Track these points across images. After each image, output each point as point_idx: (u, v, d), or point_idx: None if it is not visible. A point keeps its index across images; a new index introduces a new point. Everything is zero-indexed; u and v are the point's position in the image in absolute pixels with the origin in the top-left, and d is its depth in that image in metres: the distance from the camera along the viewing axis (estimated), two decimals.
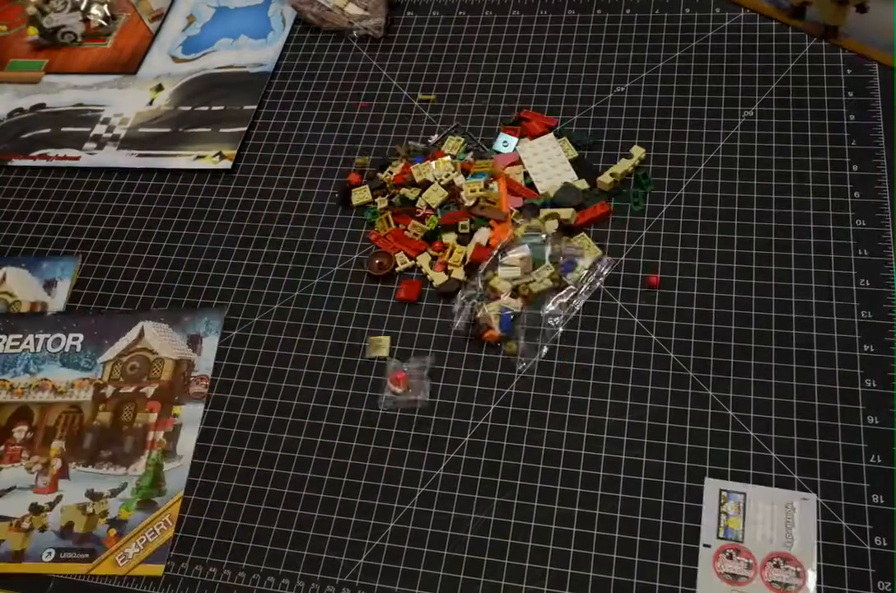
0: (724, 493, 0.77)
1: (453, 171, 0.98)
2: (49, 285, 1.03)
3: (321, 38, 1.20)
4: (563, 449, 0.82)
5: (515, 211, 0.95)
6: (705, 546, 0.75)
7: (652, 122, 1.01)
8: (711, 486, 0.77)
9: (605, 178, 0.95)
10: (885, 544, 0.73)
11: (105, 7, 1.29)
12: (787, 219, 0.91)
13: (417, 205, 0.98)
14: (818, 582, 0.72)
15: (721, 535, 0.75)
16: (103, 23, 1.28)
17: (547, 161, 0.98)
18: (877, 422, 0.79)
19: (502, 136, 1.03)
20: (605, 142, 1.01)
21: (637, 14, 1.11)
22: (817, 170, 0.94)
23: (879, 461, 0.77)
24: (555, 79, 1.07)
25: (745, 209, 0.93)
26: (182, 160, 1.10)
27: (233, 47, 1.22)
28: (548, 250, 0.91)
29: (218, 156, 1.09)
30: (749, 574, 0.73)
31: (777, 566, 0.73)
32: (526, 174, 0.98)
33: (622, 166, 0.96)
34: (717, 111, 1.00)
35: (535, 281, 0.90)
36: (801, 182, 0.93)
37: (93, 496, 0.88)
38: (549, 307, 0.89)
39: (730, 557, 0.74)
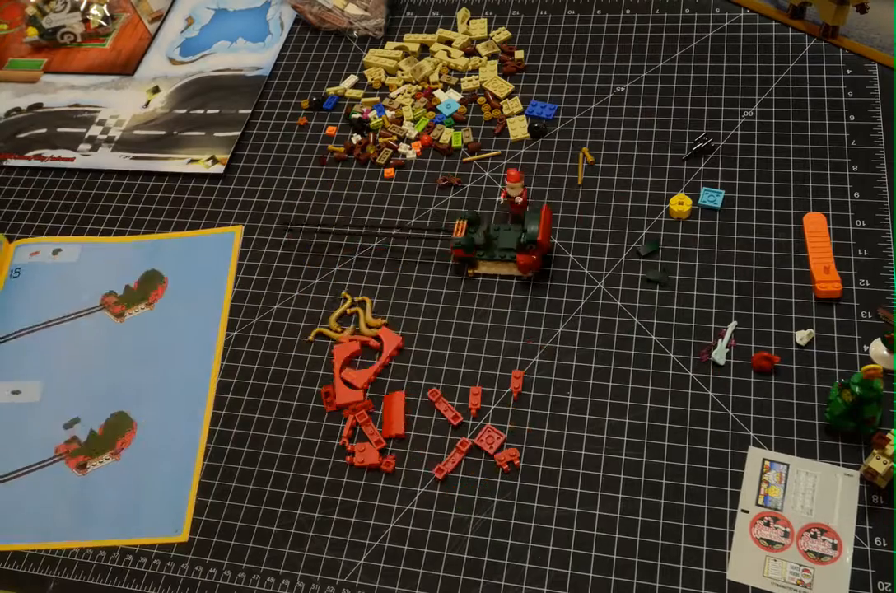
0: (766, 462, 0.78)
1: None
2: None
3: (320, 38, 1.19)
4: (563, 450, 0.82)
5: None
6: (740, 512, 0.75)
7: (652, 123, 1.01)
8: (755, 455, 0.78)
9: None
10: (885, 544, 0.73)
11: (104, 7, 1.29)
12: (786, 219, 0.91)
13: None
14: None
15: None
16: (103, 23, 1.28)
17: None
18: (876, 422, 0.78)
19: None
20: (605, 142, 1.01)
21: (637, 14, 1.11)
22: (817, 171, 0.94)
23: None
24: (555, 79, 1.08)
25: (746, 209, 0.93)
26: (175, 164, 1.10)
27: (230, 50, 1.22)
28: None
29: (210, 160, 1.09)
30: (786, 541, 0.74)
31: (814, 536, 0.74)
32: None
33: None
34: (717, 111, 1.00)
35: None
36: (800, 182, 0.93)
37: None
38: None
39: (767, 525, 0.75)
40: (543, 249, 0.89)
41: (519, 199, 0.92)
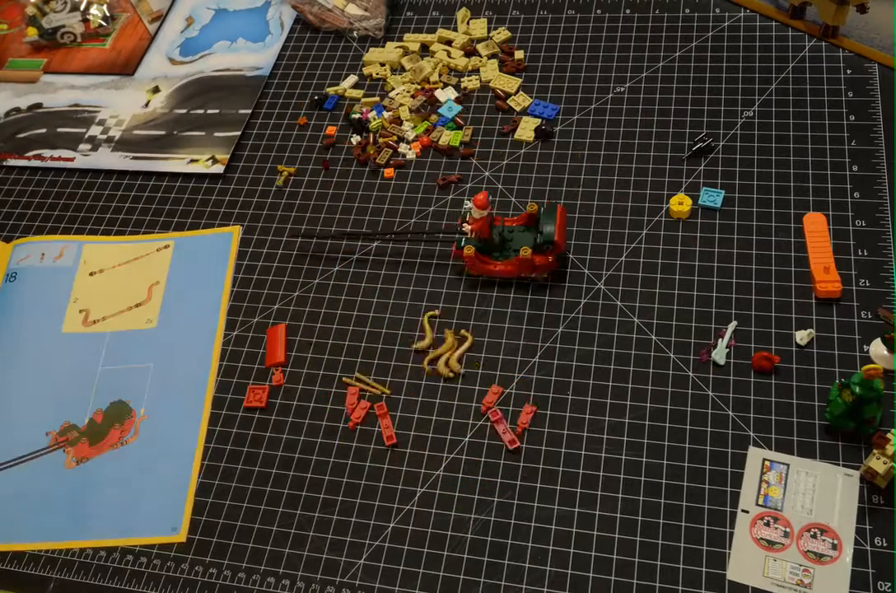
0: (766, 462, 0.78)
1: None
2: None
3: (320, 38, 1.19)
4: (563, 450, 0.82)
5: None
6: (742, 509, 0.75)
7: (652, 123, 1.01)
8: (755, 456, 0.78)
9: None
10: (885, 544, 0.73)
11: (104, 7, 1.29)
12: (787, 219, 0.91)
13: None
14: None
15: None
16: (103, 23, 1.28)
17: None
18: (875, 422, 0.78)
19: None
20: (605, 142, 1.01)
21: (637, 14, 1.11)
22: (817, 171, 0.94)
23: None
24: (555, 79, 1.08)
25: (746, 209, 0.93)
26: (175, 163, 1.10)
27: (230, 50, 1.22)
28: None
29: (210, 160, 1.09)
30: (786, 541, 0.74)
31: (814, 536, 0.74)
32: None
33: None
34: (717, 111, 1.00)
35: None
36: (800, 182, 0.93)
37: None
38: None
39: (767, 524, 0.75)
40: (559, 249, 0.89)
41: (467, 227, 0.89)
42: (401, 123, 1.07)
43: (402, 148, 1.05)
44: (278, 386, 0.90)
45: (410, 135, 1.05)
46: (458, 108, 1.07)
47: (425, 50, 1.15)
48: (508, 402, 0.85)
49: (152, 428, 0.90)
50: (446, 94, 1.08)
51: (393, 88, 1.10)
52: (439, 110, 1.07)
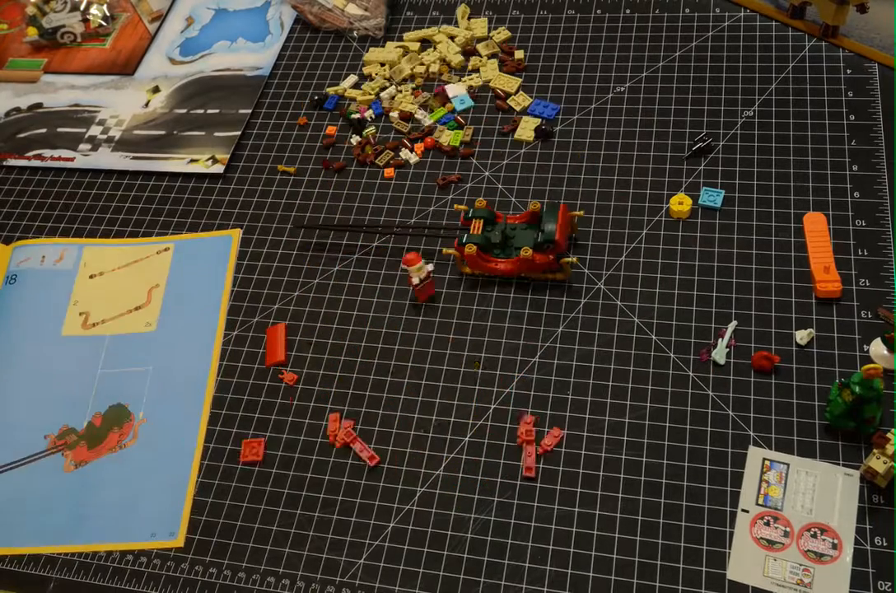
0: (766, 462, 0.77)
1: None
2: None
3: (320, 38, 1.19)
4: (563, 450, 0.82)
5: None
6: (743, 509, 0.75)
7: (652, 123, 1.01)
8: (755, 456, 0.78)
9: None
10: (885, 544, 0.73)
11: (104, 7, 1.29)
12: (787, 219, 0.91)
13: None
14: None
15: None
16: (103, 23, 1.28)
17: None
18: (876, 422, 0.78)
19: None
20: (605, 142, 1.01)
21: (637, 14, 1.11)
22: (817, 171, 0.94)
23: None
24: (555, 79, 1.08)
25: (746, 209, 0.93)
26: (175, 163, 1.10)
27: (230, 50, 1.22)
28: None
29: (210, 160, 1.09)
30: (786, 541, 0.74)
31: (814, 536, 0.74)
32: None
33: None
34: (717, 111, 1.00)
35: None
36: (800, 182, 0.93)
37: None
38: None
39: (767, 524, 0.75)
40: (560, 248, 0.89)
41: (416, 280, 0.89)
42: (409, 118, 1.07)
43: (404, 153, 1.04)
44: (293, 385, 0.90)
45: (426, 122, 1.06)
46: (470, 101, 1.07)
47: (426, 47, 1.15)
48: (508, 402, 0.85)
49: (151, 431, 0.90)
50: (458, 89, 1.08)
51: (383, 88, 1.11)
52: (452, 100, 1.07)
